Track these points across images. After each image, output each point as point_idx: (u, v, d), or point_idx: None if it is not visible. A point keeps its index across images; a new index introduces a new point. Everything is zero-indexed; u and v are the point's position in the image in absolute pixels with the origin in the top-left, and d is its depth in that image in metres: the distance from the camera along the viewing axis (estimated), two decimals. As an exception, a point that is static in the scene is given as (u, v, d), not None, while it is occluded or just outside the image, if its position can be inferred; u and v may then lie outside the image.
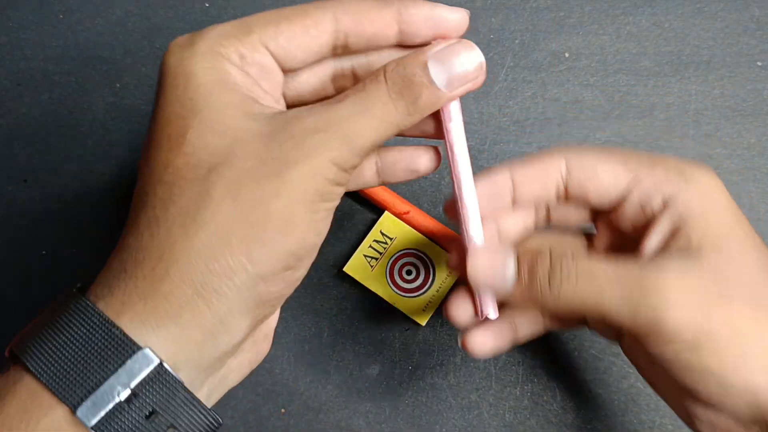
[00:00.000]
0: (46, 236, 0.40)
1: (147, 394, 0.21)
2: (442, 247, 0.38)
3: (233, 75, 0.23)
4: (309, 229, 0.22)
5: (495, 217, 0.29)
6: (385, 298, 0.37)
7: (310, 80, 0.26)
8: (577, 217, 0.30)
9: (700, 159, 0.40)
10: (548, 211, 0.30)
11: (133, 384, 0.21)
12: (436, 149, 0.28)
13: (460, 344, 0.30)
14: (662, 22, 0.42)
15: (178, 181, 0.22)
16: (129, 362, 0.21)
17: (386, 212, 0.38)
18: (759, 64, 0.41)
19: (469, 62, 0.24)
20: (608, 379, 0.38)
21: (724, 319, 0.24)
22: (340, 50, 0.25)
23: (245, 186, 0.21)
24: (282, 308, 0.39)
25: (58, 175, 0.41)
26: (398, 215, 0.38)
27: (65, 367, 0.21)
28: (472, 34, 0.42)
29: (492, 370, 0.38)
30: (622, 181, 0.27)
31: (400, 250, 0.38)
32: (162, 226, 0.22)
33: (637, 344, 0.26)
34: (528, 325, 0.31)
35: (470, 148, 0.41)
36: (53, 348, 0.21)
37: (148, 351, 0.21)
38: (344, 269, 0.38)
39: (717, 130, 0.41)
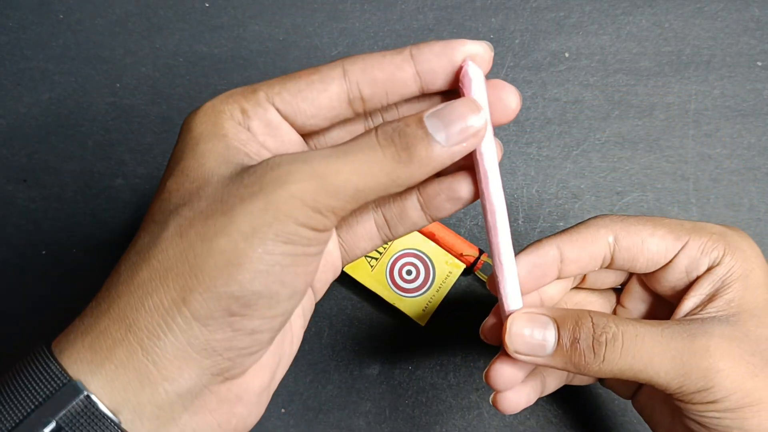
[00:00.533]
0: (46, 236, 0.40)
1: (73, 428, 0.20)
2: (442, 247, 0.38)
3: (226, 127, 0.22)
4: (258, 272, 0.20)
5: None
6: (385, 298, 0.37)
7: (343, 138, 0.25)
8: (615, 279, 0.31)
9: (700, 159, 0.40)
10: (585, 275, 0.30)
11: (58, 416, 0.19)
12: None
13: (491, 401, 0.29)
14: (662, 22, 0.42)
15: (146, 225, 0.22)
16: (58, 394, 0.20)
17: None
18: (759, 64, 0.41)
19: (470, 116, 0.22)
20: (608, 379, 0.38)
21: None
22: (359, 104, 0.23)
23: (195, 224, 0.20)
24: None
25: (58, 175, 0.41)
26: None
27: (5, 397, 0.20)
28: (472, 34, 0.42)
29: (492, 370, 0.39)
30: (672, 250, 0.27)
31: (400, 251, 0.38)
32: (121, 266, 0.21)
33: (659, 402, 0.28)
34: (556, 380, 0.31)
35: (470, 148, 0.41)
36: (4, 381, 0.21)
37: (78, 383, 0.20)
38: (344, 269, 0.38)
39: (717, 130, 0.41)
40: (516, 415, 0.38)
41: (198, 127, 0.22)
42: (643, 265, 0.28)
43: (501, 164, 0.40)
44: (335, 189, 0.20)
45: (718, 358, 0.24)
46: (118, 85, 0.42)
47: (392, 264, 0.38)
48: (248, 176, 0.20)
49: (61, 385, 0.20)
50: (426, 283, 0.38)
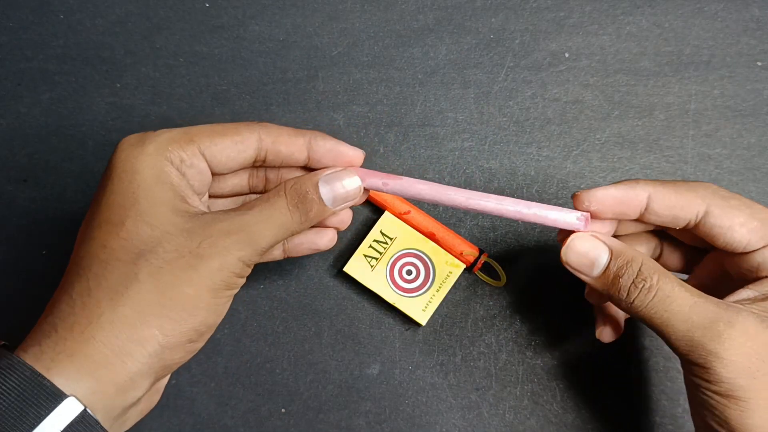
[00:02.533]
0: (46, 236, 0.40)
1: None
2: (442, 247, 0.38)
3: (171, 176, 0.28)
4: (212, 311, 0.27)
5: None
6: (386, 298, 0.37)
7: (232, 180, 0.32)
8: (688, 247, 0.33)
9: (700, 159, 0.40)
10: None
11: (62, 427, 0.24)
12: (335, 230, 0.33)
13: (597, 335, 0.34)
14: (662, 22, 0.42)
15: (112, 261, 0.26)
16: (58, 408, 0.24)
17: (386, 212, 0.38)
18: (759, 64, 0.41)
19: (350, 185, 0.30)
20: (608, 379, 0.38)
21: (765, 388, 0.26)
22: (259, 163, 0.31)
23: (165, 273, 0.26)
24: (282, 308, 0.39)
25: (58, 175, 0.41)
26: (398, 215, 0.38)
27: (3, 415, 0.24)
28: (472, 34, 0.42)
29: (492, 370, 0.39)
30: (752, 246, 0.29)
31: (400, 250, 0.38)
32: (93, 297, 0.26)
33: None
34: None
35: (470, 148, 0.41)
36: None
37: (73, 399, 0.24)
38: (344, 269, 0.38)
39: (717, 130, 0.41)
40: (516, 414, 0.38)
41: (147, 173, 0.27)
42: (720, 245, 0.29)
43: (501, 164, 0.40)
44: (262, 249, 0.28)
45: (725, 347, 0.26)
46: (118, 85, 0.42)
47: (392, 264, 0.38)
48: (204, 237, 0.27)
49: (60, 400, 0.24)
50: (426, 283, 0.38)
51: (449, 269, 0.38)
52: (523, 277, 0.39)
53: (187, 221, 0.27)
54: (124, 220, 0.27)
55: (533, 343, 0.39)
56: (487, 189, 0.40)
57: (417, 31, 0.42)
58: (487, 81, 0.41)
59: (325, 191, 0.30)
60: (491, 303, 0.39)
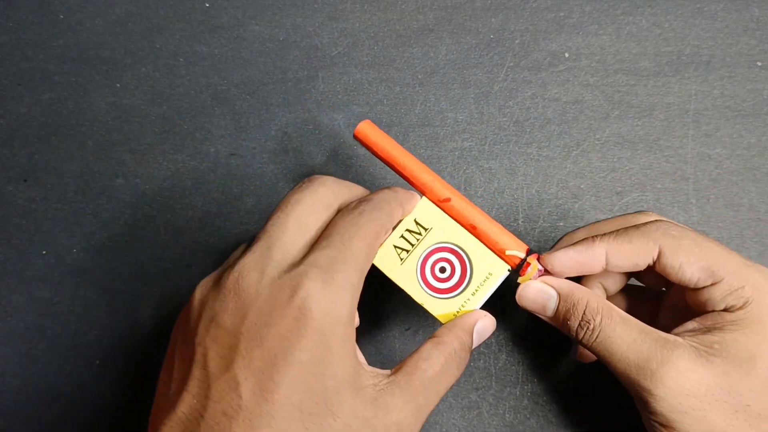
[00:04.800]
0: (46, 236, 0.40)
1: None
2: (484, 243, 0.32)
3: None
4: None
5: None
6: (414, 297, 0.32)
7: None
8: (649, 282, 0.34)
9: (700, 159, 0.40)
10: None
11: None
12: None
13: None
14: (662, 22, 0.42)
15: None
16: None
17: (423, 198, 0.33)
18: (759, 64, 0.41)
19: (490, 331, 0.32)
20: (608, 379, 0.38)
21: (699, 422, 0.28)
22: None
23: None
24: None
25: (58, 175, 0.41)
26: (437, 203, 0.32)
27: None
28: (472, 34, 0.42)
29: (492, 370, 0.39)
30: (702, 283, 0.30)
31: (436, 244, 0.32)
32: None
33: None
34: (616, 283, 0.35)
35: (470, 148, 0.41)
36: None
37: None
38: (373, 261, 0.33)
39: (717, 130, 0.41)
40: (516, 414, 0.38)
41: (338, 333, 0.26)
42: (674, 282, 0.31)
43: (501, 164, 0.40)
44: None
45: (656, 385, 0.28)
46: (118, 85, 0.42)
47: (425, 258, 0.32)
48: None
49: None
50: (461, 284, 0.32)
51: (490, 270, 0.32)
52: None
53: (366, 407, 0.26)
54: (316, 411, 0.25)
55: (533, 343, 0.39)
56: (487, 189, 0.40)
57: (417, 31, 0.42)
58: (487, 81, 0.41)
59: (477, 340, 0.31)
60: (491, 303, 0.39)
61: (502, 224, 0.34)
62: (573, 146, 0.41)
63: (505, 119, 0.41)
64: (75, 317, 0.40)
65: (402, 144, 0.41)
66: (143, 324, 0.39)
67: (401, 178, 0.33)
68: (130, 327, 0.39)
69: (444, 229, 0.32)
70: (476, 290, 0.32)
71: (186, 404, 0.25)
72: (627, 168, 0.40)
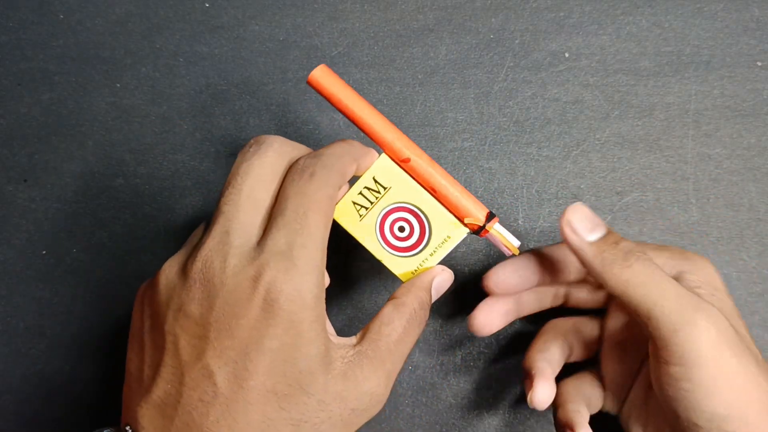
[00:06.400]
0: (46, 236, 0.40)
1: None
2: (444, 205, 0.32)
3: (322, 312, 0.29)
4: None
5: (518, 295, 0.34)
6: (373, 252, 0.32)
7: None
8: (594, 299, 0.35)
9: (700, 159, 0.40)
10: (566, 294, 0.35)
11: None
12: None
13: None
14: (662, 22, 0.42)
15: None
16: None
17: (383, 155, 0.32)
18: (759, 64, 0.41)
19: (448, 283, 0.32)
20: (608, 379, 0.38)
21: (733, 371, 0.27)
22: None
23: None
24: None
25: (58, 175, 0.41)
26: (398, 162, 0.32)
27: None
28: (472, 34, 0.42)
29: (492, 370, 0.39)
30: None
31: (395, 203, 0.32)
32: None
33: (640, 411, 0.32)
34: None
35: (470, 148, 0.41)
36: None
37: None
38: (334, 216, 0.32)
39: (717, 130, 0.41)
40: (516, 415, 0.38)
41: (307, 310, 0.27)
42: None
43: (501, 164, 0.40)
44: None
45: (705, 331, 0.27)
46: (118, 85, 0.42)
47: (384, 216, 0.32)
48: (354, 404, 0.27)
49: None
50: (419, 244, 0.32)
51: (448, 233, 0.32)
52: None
53: (338, 382, 0.27)
54: (290, 392, 0.26)
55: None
56: (487, 189, 0.40)
57: (417, 31, 0.42)
58: (487, 81, 0.41)
59: (434, 295, 0.31)
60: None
61: (480, 201, 0.33)
62: (573, 146, 0.41)
63: (505, 119, 0.41)
64: (75, 317, 0.40)
65: (402, 144, 0.41)
66: (143, 324, 0.39)
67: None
68: (129, 327, 0.39)
69: (403, 189, 0.32)
70: (434, 251, 0.32)
71: (161, 389, 0.26)
72: (627, 168, 0.40)
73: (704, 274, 0.31)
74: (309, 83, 0.31)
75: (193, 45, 0.42)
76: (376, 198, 0.32)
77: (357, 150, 0.30)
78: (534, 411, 0.38)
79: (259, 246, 0.27)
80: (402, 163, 0.31)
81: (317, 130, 0.41)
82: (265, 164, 0.28)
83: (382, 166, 0.32)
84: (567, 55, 0.42)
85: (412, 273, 0.32)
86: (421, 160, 0.31)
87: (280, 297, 0.25)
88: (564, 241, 0.30)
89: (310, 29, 0.42)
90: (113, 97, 0.42)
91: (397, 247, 0.32)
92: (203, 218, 0.40)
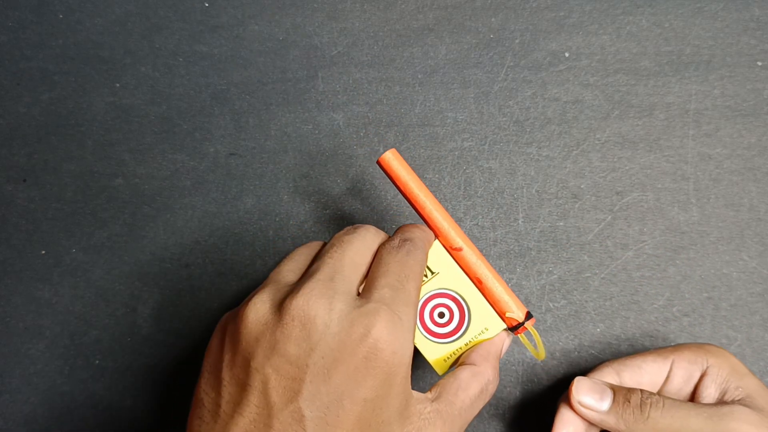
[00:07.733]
0: (46, 236, 0.40)
1: None
2: (486, 298, 0.32)
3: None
4: None
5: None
6: None
7: None
8: None
9: (700, 159, 0.40)
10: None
11: None
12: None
13: None
14: (662, 22, 0.42)
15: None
16: None
17: (437, 241, 0.33)
18: (759, 64, 0.41)
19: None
20: (608, 379, 0.38)
21: None
22: None
23: None
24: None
25: (58, 174, 0.41)
26: (449, 249, 0.32)
27: None
28: (472, 33, 0.42)
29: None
30: (665, 367, 0.33)
31: (438, 289, 0.32)
32: None
33: None
34: None
35: (470, 148, 0.41)
36: None
37: None
38: None
39: (717, 130, 0.41)
40: (516, 414, 0.38)
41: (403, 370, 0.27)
42: (647, 386, 0.33)
43: (501, 164, 0.40)
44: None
45: (740, 423, 0.29)
46: (118, 85, 0.42)
47: (426, 300, 0.32)
48: None
49: None
50: (457, 332, 0.32)
51: (487, 325, 0.32)
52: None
53: None
54: None
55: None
56: (487, 189, 0.40)
57: (417, 31, 0.42)
58: (487, 81, 0.41)
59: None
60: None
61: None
62: (573, 146, 0.41)
63: (505, 119, 0.41)
64: (75, 317, 0.40)
65: (402, 144, 0.41)
66: (142, 324, 0.39)
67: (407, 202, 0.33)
68: (129, 327, 0.39)
69: (450, 276, 0.32)
70: (470, 342, 0.32)
71: (241, 429, 0.25)
72: (627, 168, 0.40)
73: (728, 364, 0.33)
74: (379, 164, 0.32)
75: (193, 45, 0.42)
76: (423, 282, 0.32)
77: (429, 236, 0.32)
78: (534, 411, 0.38)
79: (363, 297, 0.27)
80: (453, 251, 0.32)
81: (317, 129, 0.41)
82: (366, 241, 0.30)
83: (434, 252, 0.32)
84: (567, 54, 0.42)
85: (444, 360, 0.32)
86: (471, 251, 0.32)
87: (386, 350, 0.26)
88: (581, 418, 0.33)
89: (309, 29, 0.42)
90: (112, 97, 0.42)
91: (434, 332, 0.32)
92: (203, 218, 0.40)
